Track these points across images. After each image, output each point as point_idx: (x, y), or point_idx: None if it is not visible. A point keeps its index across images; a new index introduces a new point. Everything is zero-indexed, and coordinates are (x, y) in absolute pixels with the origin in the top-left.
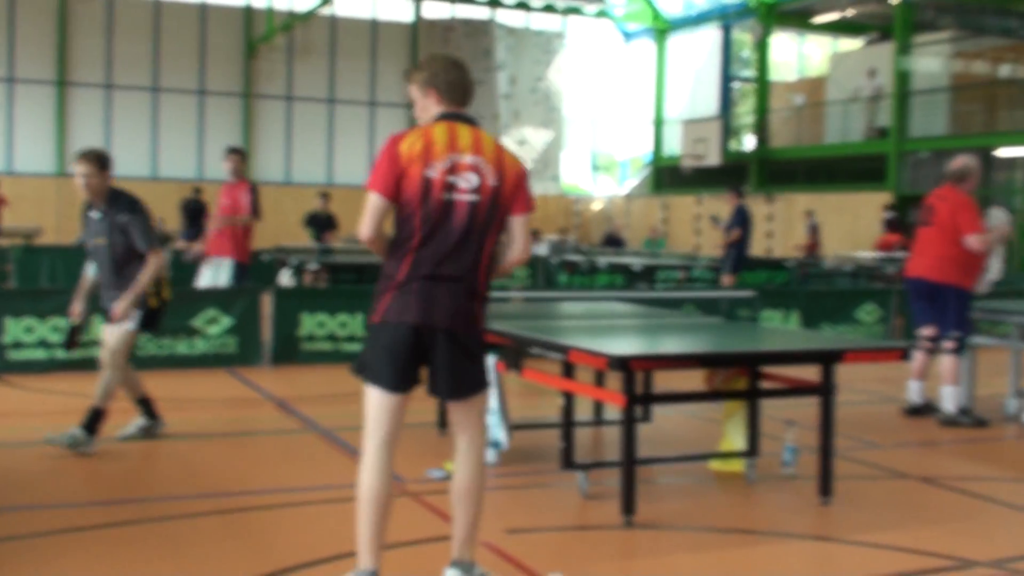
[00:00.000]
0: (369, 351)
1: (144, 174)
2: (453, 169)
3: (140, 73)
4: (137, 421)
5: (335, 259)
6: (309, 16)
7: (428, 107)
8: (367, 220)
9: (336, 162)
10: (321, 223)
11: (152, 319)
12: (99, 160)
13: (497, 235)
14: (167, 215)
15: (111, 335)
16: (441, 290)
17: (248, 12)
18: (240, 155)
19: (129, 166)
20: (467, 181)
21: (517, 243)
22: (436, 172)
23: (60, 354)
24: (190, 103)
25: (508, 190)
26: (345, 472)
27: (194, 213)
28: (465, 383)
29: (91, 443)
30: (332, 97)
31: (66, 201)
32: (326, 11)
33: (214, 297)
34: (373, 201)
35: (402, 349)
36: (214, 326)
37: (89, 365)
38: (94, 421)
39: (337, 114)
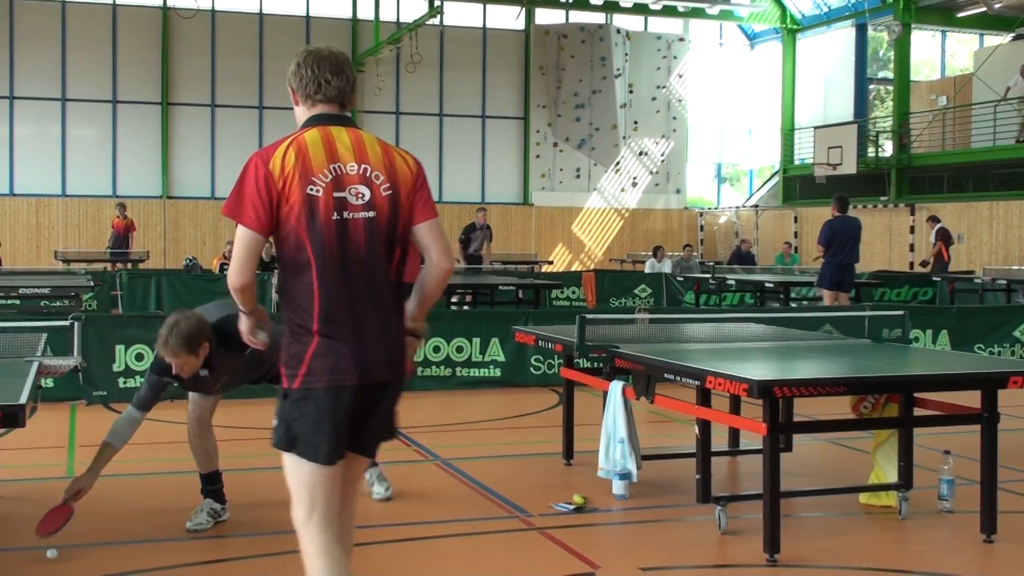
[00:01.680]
0: (297, 423)
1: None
2: (338, 183)
3: (245, 91)
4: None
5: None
6: (417, 26)
7: (296, 112)
8: (240, 263)
9: (447, 179)
10: None
11: None
12: None
13: (403, 253)
14: None
15: None
16: (369, 334)
17: (355, 24)
18: None
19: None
20: (357, 196)
21: (432, 253)
22: (320, 189)
23: None
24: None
25: (405, 199)
26: (470, 506)
27: None
28: (381, 436)
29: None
30: (442, 111)
31: (172, 224)
32: (435, 21)
33: None
34: (244, 238)
35: (341, 415)
36: None
37: None
38: None
39: (447, 128)
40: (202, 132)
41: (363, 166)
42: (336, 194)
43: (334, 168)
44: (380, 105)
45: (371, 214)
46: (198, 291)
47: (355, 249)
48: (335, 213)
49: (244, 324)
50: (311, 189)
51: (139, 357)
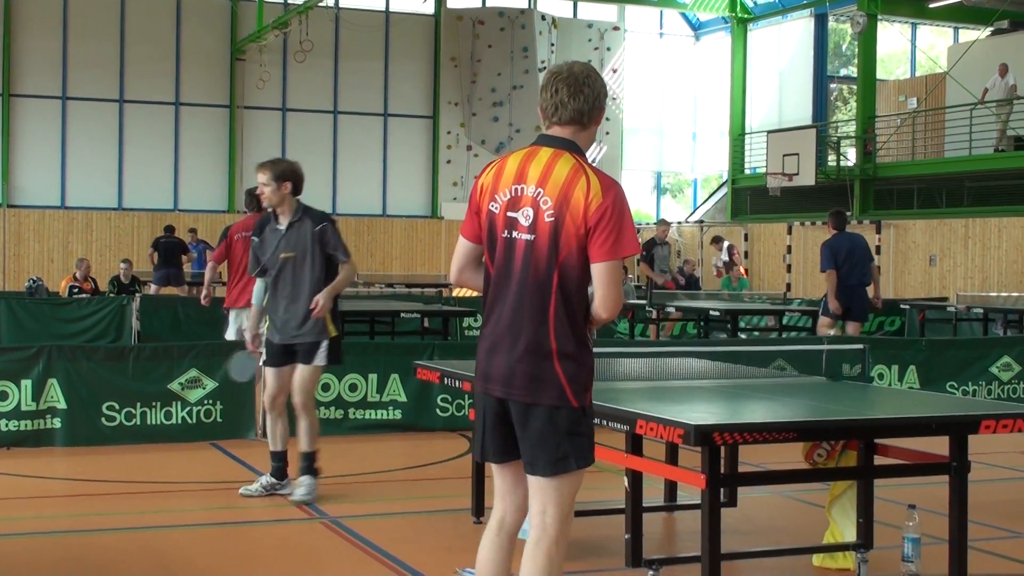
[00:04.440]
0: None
1: (108, 204)
2: (514, 203)
3: (103, 82)
4: (265, 479)
5: (342, 305)
6: (308, 8)
7: None
8: (452, 261)
9: (342, 187)
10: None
11: (338, 350)
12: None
13: (574, 282)
14: (137, 253)
15: (303, 376)
16: (500, 348)
17: (234, 5)
18: None
19: (89, 194)
20: (525, 217)
21: (595, 296)
22: (498, 207)
23: None
24: (163, 117)
25: (572, 228)
26: (358, 571)
27: (171, 252)
28: (537, 459)
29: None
30: (336, 108)
31: (13, 238)
32: (329, 2)
33: (194, 354)
34: (458, 243)
35: (490, 420)
36: (195, 390)
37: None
38: (312, 463)
39: (343, 128)
40: (51, 129)
41: (539, 189)
42: (510, 213)
43: (516, 188)
44: (264, 100)
45: (530, 237)
46: (44, 318)
47: (515, 268)
48: (505, 231)
49: None
50: (492, 206)
51: None
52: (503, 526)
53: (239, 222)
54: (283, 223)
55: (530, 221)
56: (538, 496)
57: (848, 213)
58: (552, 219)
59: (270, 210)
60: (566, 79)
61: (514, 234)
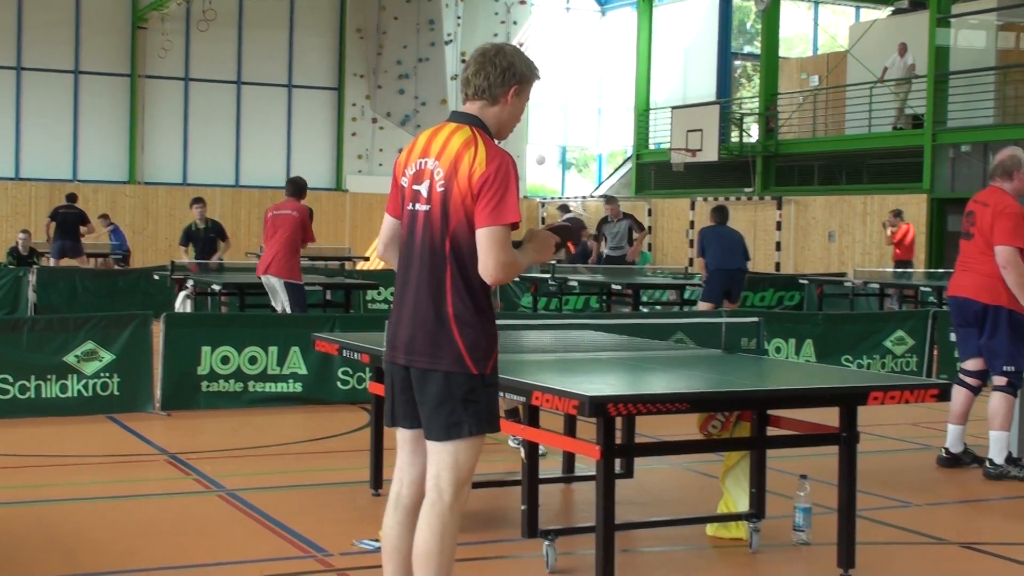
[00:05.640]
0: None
1: (4, 174)
2: (418, 176)
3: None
4: None
5: (243, 279)
6: None
7: None
8: (379, 237)
9: (245, 159)
10: (200, 240)
11: None
12: None
13: (468, 250)
14: (35, 224)
15: None
16: (404, 317)
17: None
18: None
19: None
20: (425, 189)
21: (478, 261)
22: (407, 180)
23: None
24: (62, 86)
25: (459, 196)
26: (259, 545)
27: (68, 223)
28: (432, 423)
29: None
30: (240, 78)
31: None
32: None
33: (91, 326)
34: (383, 220)
35: (396, 387)
36: (91, 362)
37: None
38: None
39: (246, 99)
40: None
41: (436, 161)
42: (414, 187)
43: (421, 163)
44: (165, 70)
45: (427, 208)
46: None
47: (415, 239)
48: (410, 204)
49: None
50: (403, 180)
51: None
52: (399, 501)
53: (277, 203)
54: None
55: (427, 192)
56: (433, 460)
57: (749, 189)
58: (442, 189)
59: None
60: (477, 57)
61: (416, 206)
